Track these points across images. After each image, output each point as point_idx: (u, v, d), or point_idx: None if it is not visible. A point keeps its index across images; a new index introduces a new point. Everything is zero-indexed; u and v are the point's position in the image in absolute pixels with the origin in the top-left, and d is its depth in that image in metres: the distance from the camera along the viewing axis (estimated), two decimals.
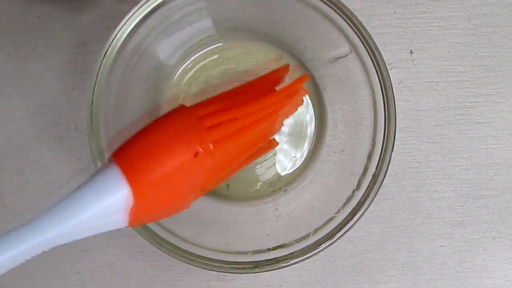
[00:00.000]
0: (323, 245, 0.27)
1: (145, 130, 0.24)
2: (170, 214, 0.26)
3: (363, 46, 0.28)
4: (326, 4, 0.28)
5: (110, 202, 0.21)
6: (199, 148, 0.23)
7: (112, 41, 0.28)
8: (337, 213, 0.28)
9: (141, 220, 0.24)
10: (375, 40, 0.28)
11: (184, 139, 0.23)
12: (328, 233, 0.28)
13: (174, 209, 0.25)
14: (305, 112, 0.33)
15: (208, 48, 0.33)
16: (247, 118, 0.26)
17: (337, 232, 0.28)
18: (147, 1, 0.28)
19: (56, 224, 0.21)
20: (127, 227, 0.23)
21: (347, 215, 0.28)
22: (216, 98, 0.28)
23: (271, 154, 0.33)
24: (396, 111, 0.28)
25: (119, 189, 0.22)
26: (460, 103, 0.34)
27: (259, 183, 0.33)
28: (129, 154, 0.23)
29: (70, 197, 0.21)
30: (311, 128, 0.33)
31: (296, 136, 0.33)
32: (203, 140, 0.24)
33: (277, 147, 0.32)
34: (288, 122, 0.33)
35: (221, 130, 0.25)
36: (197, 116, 0.24)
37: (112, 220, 0.22)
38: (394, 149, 0.28)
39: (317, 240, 0.28)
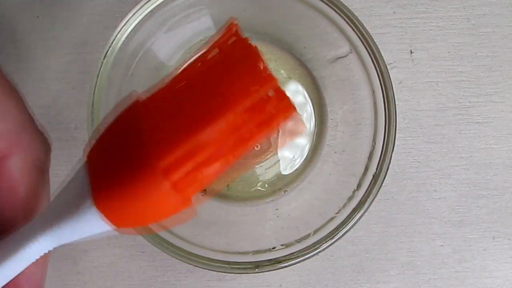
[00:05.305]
0: (323, 245, 0.28)
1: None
2: (162, 216, 0.23)
3: (363, 46, 0.28)
4: (326, 4, 0.28)
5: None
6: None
7: (112, 42, 0.28)
8: (337, 213, 0.28)
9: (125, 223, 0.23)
10: (375, 40, 0.28)
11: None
12: (328, 233, 0.28)
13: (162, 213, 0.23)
14: (305, 112, 0.33)
15: None
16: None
17: (337, 232, 0.28)
18: (148, 1, 0.28)
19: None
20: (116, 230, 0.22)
21: (347, 215, 0.28)
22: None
23: (271, 154, 0.33)
24: (396, 111, 0.28)
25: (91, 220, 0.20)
26: (460, 103, 0.34)
27: (259, 183, 0.33)
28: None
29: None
30: (311, 128, 0.33)
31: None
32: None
33: (278, 147, 0.32)
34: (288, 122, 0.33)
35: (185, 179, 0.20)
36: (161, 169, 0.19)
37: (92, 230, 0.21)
38: (394, 149, 0.28)
39: (318, 240, 0.28)
